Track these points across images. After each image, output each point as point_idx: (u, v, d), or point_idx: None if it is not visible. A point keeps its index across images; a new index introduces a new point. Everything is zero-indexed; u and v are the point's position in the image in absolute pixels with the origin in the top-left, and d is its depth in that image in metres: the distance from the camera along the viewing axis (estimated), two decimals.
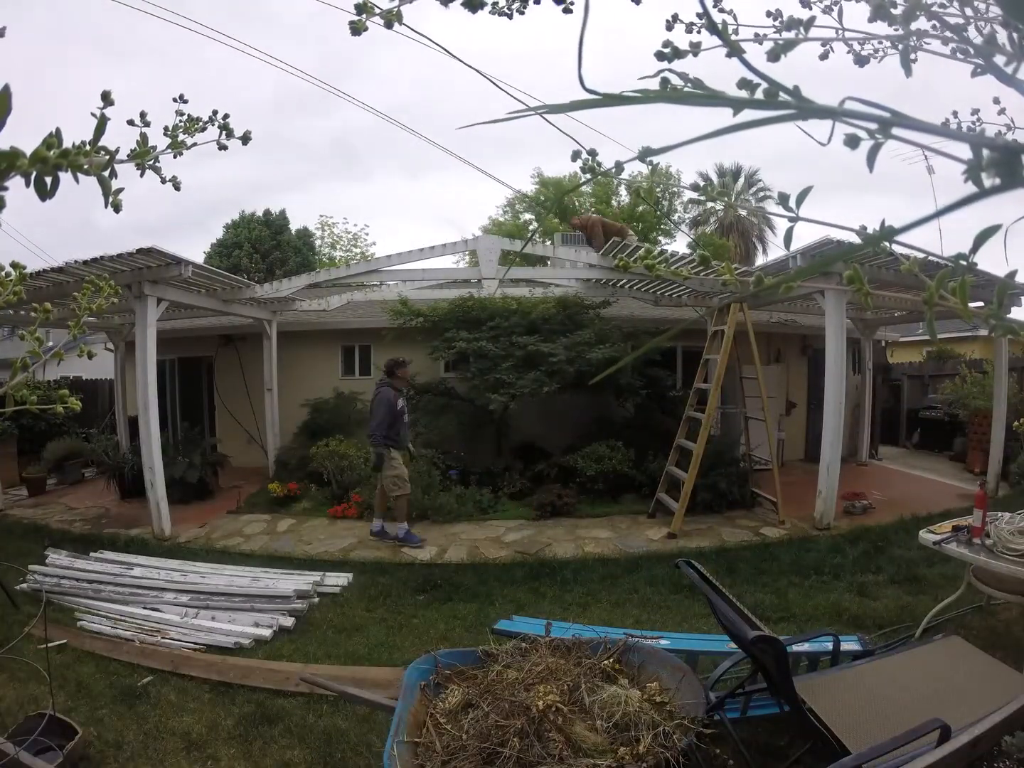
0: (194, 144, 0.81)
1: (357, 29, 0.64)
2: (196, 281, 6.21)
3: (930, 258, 0.73)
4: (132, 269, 5.42)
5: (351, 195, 41.55)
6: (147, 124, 0.72)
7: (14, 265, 0.93)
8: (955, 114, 1.12)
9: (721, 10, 0.89)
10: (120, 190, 0.59)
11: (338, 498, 6.58)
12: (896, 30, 0.84)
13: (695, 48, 0.75)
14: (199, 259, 12.98)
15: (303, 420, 8.16)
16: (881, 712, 2.07)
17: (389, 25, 0.63)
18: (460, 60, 4.05)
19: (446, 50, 3.93)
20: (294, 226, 20.95)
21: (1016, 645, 3.00)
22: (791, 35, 0.77)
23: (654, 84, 0.57)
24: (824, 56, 0.91)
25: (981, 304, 0.78)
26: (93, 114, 0.55)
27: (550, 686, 1.87)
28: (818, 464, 5.73)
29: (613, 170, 0.76)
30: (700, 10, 0.69)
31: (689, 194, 22.72)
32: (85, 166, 0.43)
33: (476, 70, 4.05)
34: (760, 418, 6.03)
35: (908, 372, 11.88)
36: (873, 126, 0.45)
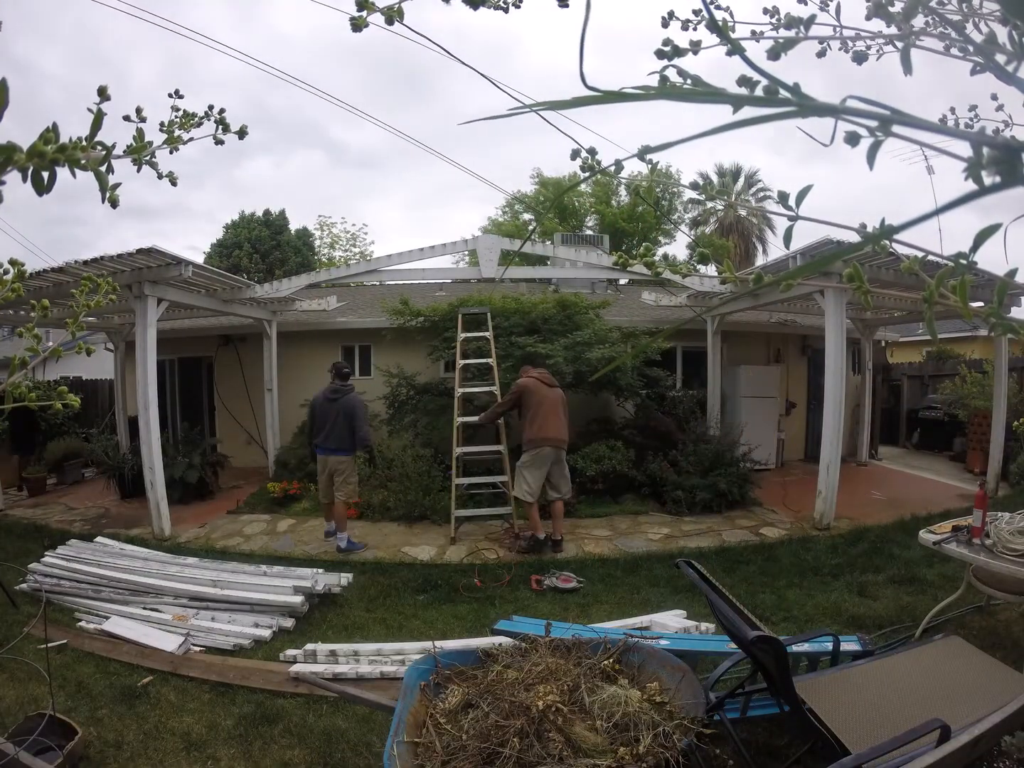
0: (190, 139, 0.81)
1: (358, 25, 0.64)
2: (196, 281, 6.22)
3: (930, 257, 0.73)
4: (132, 269, 5.42)
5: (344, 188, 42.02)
6: (143, 120, 0.72)
7: (12, 262, 0.93)
8: (952, 110, 1.12)
9: (718, 7, 0.89)
10: (117, 185, 0.59)
11: None
12: (898, 29, 0.83)
13: (695, 46, 0.75)
14: (199, 259, 12.98)
15: (303, 420, 8.16)
16: (881, 712, 2.06)
17: (390, 21, 0.63)
18: (459, 60, 4.05)
19: (446, 50, 3.93)
20: (293, 226, 20.97)
21: (1016, 645, 3.00)
22: (790, 33, 0.77)
23: (654, 81, 0.57)
24: (821, 54, 0.91)
25: (981, 303, 0.78)
26: (90, 109, 0.55)
27: (550, 686, 1.86)
28: (818, 464, 5.73)
29: (612, 168, 0.76)
30: (697, 7, 0.69)
31: (689, 194, 22.74)
32: (82, 161, 0.43)
33: (475, 69, 4.04)
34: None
35: (908, 372, 11.88)
36: (873, 123, 0.44)
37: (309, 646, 3.32)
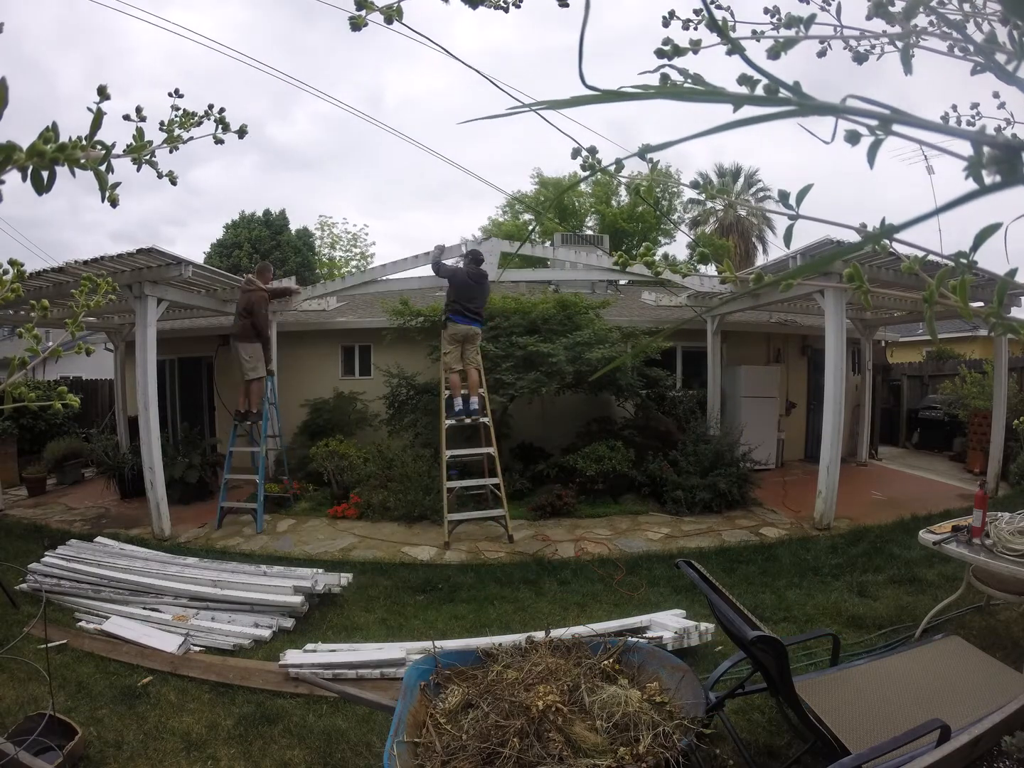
0: (190, 138, 0.81)
1: (357, 24, 0.64)
2: (196, 281, 6.22)
3: (930, 257, 0.73)
4: (132, 269, 5.42)
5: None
6: (143, 119, 0.72)
7: (12, 263, 0.92)
8: (954, 107, 1.12)
9: (719, 7, 0.89)
10: (117, 184, 0.59)
11: (338, 498, 6.58)
12: (896, 28, 0.83)
13: (695, 46, 0.75)
14: (199, 259, 12.95)
15: (303, 420, 8.15)
16: (881, 712, 2.07)
17: (389, 21, 0.63)
18: (459, 60, 4.05)
19: (446, 50, 3.93)
20: (294, 226, 20.98)
21: (1016, 645, 3.00)
22: (791, 33, 0.77)
23: (654, 80, 0.57)
24: (822, 54, 0.91)
25: (981, 303, 0.78)
26: (90, 108, 0.55)
27: (550, 686, 1.86)
28: (818, 464, 5.73)
29: (613, 168, 0.76)
30: (697, 6, 0.69)
31: (689, 194, 22.76)
32: (82, 160, 0.43)
33: (475, 69, 4.04)
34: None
35: (908, 372, 11.88)
36: (874, 122, 0.44)
37: (309, 646, 3.32)
